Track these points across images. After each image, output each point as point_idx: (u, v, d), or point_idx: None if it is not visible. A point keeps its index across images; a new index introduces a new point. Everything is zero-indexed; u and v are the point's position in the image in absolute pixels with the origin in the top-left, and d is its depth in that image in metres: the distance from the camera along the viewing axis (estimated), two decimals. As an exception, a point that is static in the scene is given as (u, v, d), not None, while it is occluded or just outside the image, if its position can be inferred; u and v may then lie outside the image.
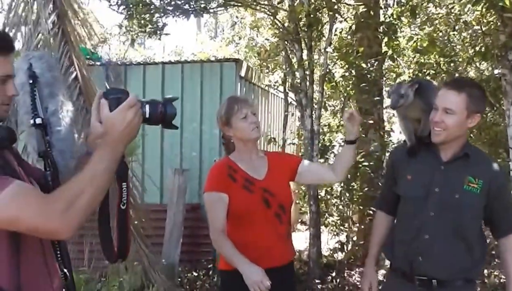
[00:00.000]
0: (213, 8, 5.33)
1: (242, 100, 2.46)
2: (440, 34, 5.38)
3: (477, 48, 4.46)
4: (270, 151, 2.49)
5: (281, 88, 7.00)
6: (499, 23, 4.05)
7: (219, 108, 2.47)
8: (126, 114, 1.34)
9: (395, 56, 6.14)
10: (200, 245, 5.68)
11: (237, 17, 9.76)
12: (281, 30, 5.66)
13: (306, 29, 5.45)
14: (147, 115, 1.40)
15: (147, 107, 1.40)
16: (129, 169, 1.50)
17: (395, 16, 5.98)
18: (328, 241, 6.25)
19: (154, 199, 6.08)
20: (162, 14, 5.02)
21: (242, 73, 5.86)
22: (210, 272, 5.54)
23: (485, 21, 4.59)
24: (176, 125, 1.47)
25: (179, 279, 5.40)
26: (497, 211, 2.16)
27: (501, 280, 4.84)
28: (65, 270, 1.51)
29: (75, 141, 1.66)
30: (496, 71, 4.19)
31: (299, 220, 9.39)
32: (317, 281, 5.51)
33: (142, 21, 5.07)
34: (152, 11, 4.94)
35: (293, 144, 7.78)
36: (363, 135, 6.17)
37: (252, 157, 2.44)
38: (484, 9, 4.16)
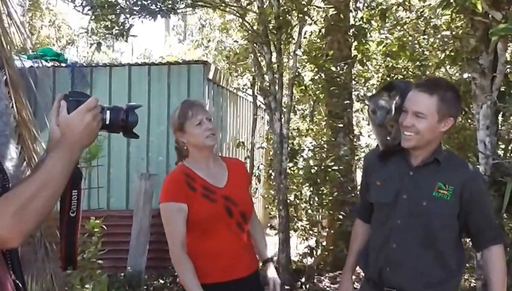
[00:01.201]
0: (180, 9, 5.19)
1: (198, 105, 2.32)
2: (410, 38, 5.37)
3: (447, 52, 4.44)
4: (227, 156, 2.41)
5: (250, 91, 6.90)
6: (469, 27, 4.05)
7: (173, 112, 2.36)
8: (84, 117, 1.28)
9: (365, 60, 6.14)
10: (167, 252, 5.47)
11: (205, 20, 9.64)
12: (250, 32, 5.57)
13: (275, 32, 5.38)
14: (108, 121, 1.34)
15: (108, 113, 1.35)
16: (82, 175, 1.41)
17: (365, 20, 5.99)
18: (298, 246, 6.19)
19: (120, 205, 5.92)
20: (128, 15, 4.84)
21: (210, 76, 5.74)
22: (177, 280, 5.37)
23: (453, 26, 4.59)
24: (138, 134, 1.42)
25: (145, 287, 5.24)
26: (474, 220, 2.04)
27: (471, 284, 4.84)
28: (18, 281, 1.38)
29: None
30: (465, 75, 4.18)
31: (268, 225, 9.32)
32: (286, 287, 5.43)
33: (108, 23, 4.88)
34: (118, 12, 4.76)
35: (262, 148, 7.69)
36: (333, 139, 6.16)
37: (209, 165, 2.32)
38: (454, 13, 4.15)
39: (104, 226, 3.74)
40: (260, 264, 2.45)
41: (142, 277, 5.19)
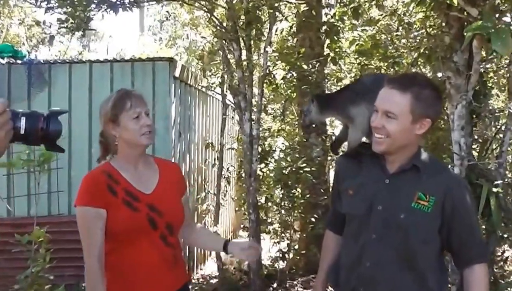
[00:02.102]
0: (143, 2, 4.92)
1: (137, 95, 2.04)
2: (383, 36, 5.22)
3: (422, 50, 4.30)
4: (161, 157, 2.17)
5: (219, 90, 6.67)
6: (443, 24, 3.92)
7: (105, 100, 2.06)
8: None
9: (337, 59, 5.98)
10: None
11: (170, 16, 9.34)
12: (218, 28, 5.33)
13: (244, 28, 5.15)
14: (23, 131, 1.10)
15: (23, 120, 1.10)
16: None
17: (337, 17, 5.83)
18: (270, 250, 6.01)
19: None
20: (87, 8, 4.55)
21: (177, 74, 5.47)
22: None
23: (428, 24, 4.46)
24: (62, 147, 1.19)
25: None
26: (457, 235, 1.80)
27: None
28: None
29: None
30: (439, 74, 4.05)
31: (242, 226, 9.15)
32: (257, 293, 5.25)
33: (63, 16, 4.57)
34: (75, 3, 4.46)
35: (232, 149, 7.47)
36: (305, 140, 5.99)
37: (138, 166, 2.05)
38: (428, 10, 4.01)
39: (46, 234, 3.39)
40: (224, 251, 2.18)
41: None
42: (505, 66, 4.58)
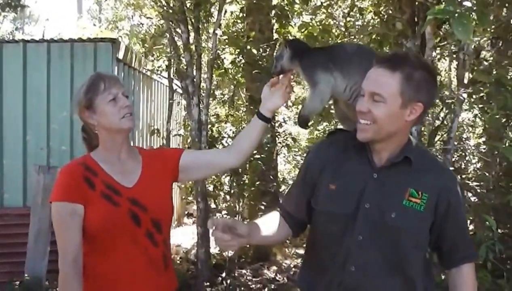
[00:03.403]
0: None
1: (111, 77, 1.84)
2: (334, 21, 5.15)
3: (374, 36, 4.25)
4: (147, 148, 2.04)
5: (165, 74, 6.41)
6: (396, 10, 3.88)
7: (78, 89, 1.83)
8: None
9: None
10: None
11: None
12: (165, 8, 5.07)
13: (192, 9, 4.93)
14: None
15: None
16: None
17: (287, 1, 5.70)
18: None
19: (16, 202, 5.26)
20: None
21: (120, 56, 5.19)
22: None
23: (380, 9, 4.42)
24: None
25: (47, 295, 4.67)
26: (449, 236, 1.64)
27: None
28: None
29: None
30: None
31: (186, 212, 8.98)
32: (206, 284, 5.11)
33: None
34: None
35: (179, 135, 7.24)
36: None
37: (121, 157, 1.83)
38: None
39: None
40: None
41: (43, 284, 4.60)
42: (452, 52, 4.64)
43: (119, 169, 1.82)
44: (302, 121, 1.85)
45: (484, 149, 5.09)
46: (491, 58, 4.95)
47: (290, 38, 1.91)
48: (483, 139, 5.56)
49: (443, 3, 2.36)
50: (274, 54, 1.77)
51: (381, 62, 1.54)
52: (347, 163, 1.65)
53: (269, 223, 1.77)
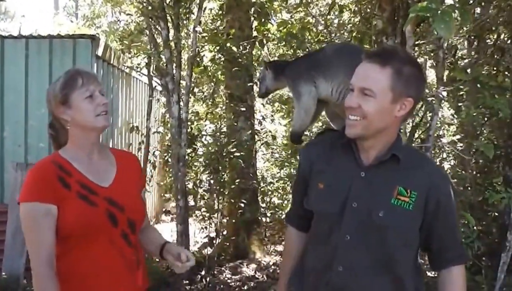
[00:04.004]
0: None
1: (89, 73, 1.79)
2: (313, 19, 5.18)
3: (354, 34, 4.30)
4: (115, 147, 2.02)
5: (145, 71, 6.35)
6: (376, 8, 3.93)
7: (53, 83, 1.79)
8: None
9: (265, 42, 5.88)
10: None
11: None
12: (144, 5, 5.03)
13: (172, 5, 4.90)
14: None
15: None
16: None
17: (267, -1, 5.72)
18: (196, 235, 5.87)
19: (-8, 199, 5.14)
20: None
21: (99, 53, 5.13)
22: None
23: (360, 7, 4.46)
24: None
25: (24, 294, 4.60)
26: (438, 235, 1.62)
27: None
28: None
29: None
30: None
31: (163, 210, 8.93)
32: (185, 282, 5.09)
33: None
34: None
35: (158, 133, 7.19)
36: (235, 124, 5.87)
37: (92, 156, 1.80)
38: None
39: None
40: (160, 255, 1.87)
41: (21, 282, 4.53)
42: (430, 51, 4.71)
43: (92, 168, 1.78)
44: (295, 137, 1.87)
45: (461, 146, 5.17)
46: (468, 57, 5.04)
47: (266, 60, 1.96)
48: (458, 136, 5.66)
49: (425, 0, 2.40)
50: (257, 77, 1.81)
51: (370, 57, 1.53)
52: (334, 162, 1.64)
53: (292, 247, 1.83)
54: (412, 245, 1.60)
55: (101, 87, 1.80)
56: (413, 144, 4.35)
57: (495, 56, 4.79)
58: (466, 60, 4.98)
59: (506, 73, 4.91)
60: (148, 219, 1.98)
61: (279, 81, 1.91)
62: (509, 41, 4.66)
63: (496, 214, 4.97)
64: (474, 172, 5.15)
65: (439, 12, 2.26)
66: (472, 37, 4.76)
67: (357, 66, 1.56)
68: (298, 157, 1.89)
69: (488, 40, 4.95)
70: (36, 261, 1.64)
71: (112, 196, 1.75)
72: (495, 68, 4.83)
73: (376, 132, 1.55)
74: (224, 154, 5.29)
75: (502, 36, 4.79)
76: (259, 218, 6.44)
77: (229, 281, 5.38)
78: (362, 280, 1.57)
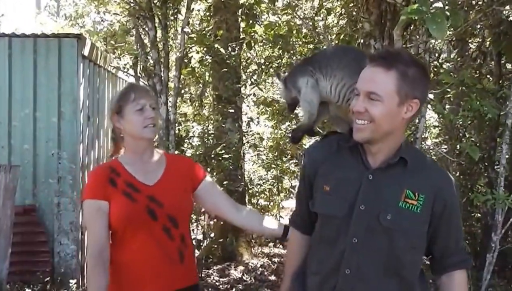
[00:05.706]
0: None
1: (142, 89, 2.11)
2: (301, 21, 5.20)
3: (342, 36, 4.33)
4: (174, 153, 2.12)
5: (131, 72, 6.30)
6: (363, 11, 3.95)
7: (114, 95, 2.11)
8: None
9: (253, 44, 5.90)
10: (35, 254, 4.81)
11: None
12: (132, 5, 5.00)
13: (160, 5, 4.88)
14: None
15: None
16: None
17: (254, 0, 5.73)
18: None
19: (-26, 201, 5.02)
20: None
21: (86, 52, 5.06)
22: (48, 286, 4.72)
23: (348, 10, 4.49)
24: None
25: (8, 298, 4.51)
26: (442, 239, 1.61)
27: None
28: None
29: None
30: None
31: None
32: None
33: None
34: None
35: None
36: (223, 125, 5.87)
37: (143, 159, 2.03)
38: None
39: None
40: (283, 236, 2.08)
41: (4, 287, 4.44)
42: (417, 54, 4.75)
43: (142, 169, 2.00)
44: (307, 130, 1.88)
45: (445, 148, 5.24)
46: (451, 61, 5.11)
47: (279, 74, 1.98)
48: (441, 139, 5.73)
49: (413, 4, 2.43)
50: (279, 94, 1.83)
51: (374, 60, 1.53)
52: (340, 165, 1.63)
53: (296, 250, 1.84)
54: (420, 248, 1.59)
55: (153, 101, 2.04)
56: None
57: (478, 60, 4.87)
58: (450, 64, 5.04)
59: (488, 77, 5.00)
60: (233, 201, 2.19)
61: (289, 89, 1.91)
62: (491, 46, 4.73)
63: (479, 215, 5.05)
64: (458, 174, 5.22)
65: (430, 14, 2.29)
66: (455, 41, 4.82)
67: (357, 68, 1.57)
68: (302, 160, 1.92)
69: (470, 44, 5.03)
70: (89, 252, 1.89)
71: (154, 194, 1.95)
72: (477, 72, 4.91)
73: (384, 135, 1.54)
74: (212, 156, 5.29)
75: (485, 41, 4.87)
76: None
77: (217, 283, 5.37)
78: (369, 284, 1.56)
